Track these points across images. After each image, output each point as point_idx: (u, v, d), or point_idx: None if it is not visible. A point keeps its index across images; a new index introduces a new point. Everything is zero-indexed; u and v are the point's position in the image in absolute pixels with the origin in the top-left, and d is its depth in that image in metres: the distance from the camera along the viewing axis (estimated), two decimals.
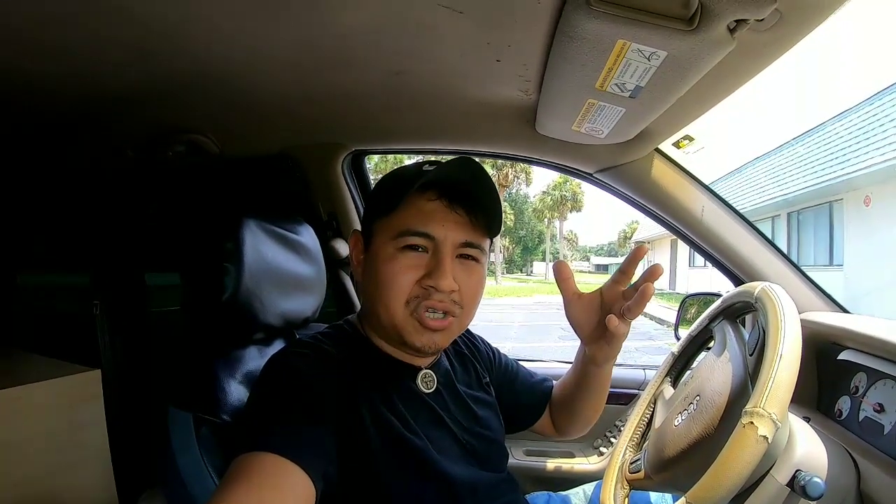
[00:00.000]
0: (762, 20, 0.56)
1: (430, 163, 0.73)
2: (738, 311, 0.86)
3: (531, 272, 45.28)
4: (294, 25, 0.71)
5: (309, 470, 0.58)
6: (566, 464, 1.43)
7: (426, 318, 0.71)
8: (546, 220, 35.74)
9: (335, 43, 0.76)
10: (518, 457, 1.44)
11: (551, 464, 1.43)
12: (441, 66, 0.84)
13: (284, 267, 0.90)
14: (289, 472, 0.57)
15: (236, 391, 0.77)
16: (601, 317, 0.77)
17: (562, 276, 0.79)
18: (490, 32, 0.71)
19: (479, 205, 0.73)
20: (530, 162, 1.27)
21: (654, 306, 13.36)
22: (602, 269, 52.94)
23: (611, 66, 0.68)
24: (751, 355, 0.72)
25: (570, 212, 34.18)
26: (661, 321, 11.15)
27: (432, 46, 0.76)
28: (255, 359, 0.85)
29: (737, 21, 0.56)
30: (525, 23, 0.67)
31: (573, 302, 0.80)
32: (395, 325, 0.72)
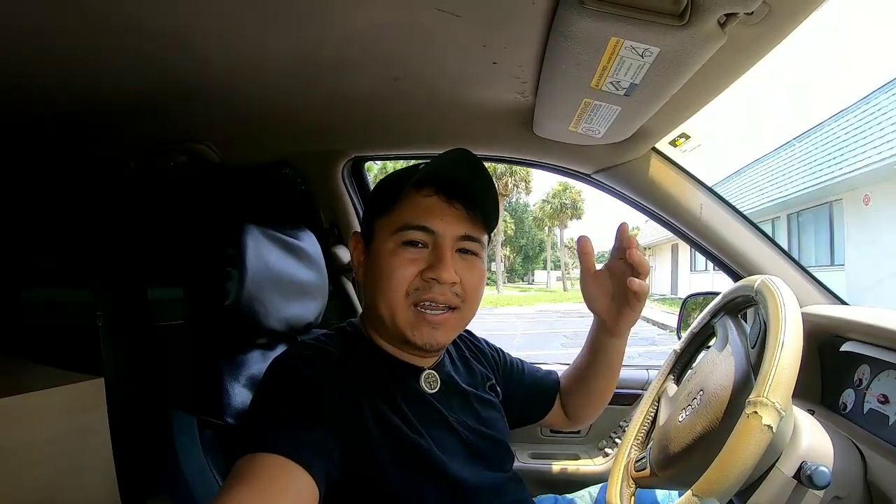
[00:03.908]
0: (751, 13, 0.57)
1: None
2: (739, 306, 0.86)
3: (532, 281, 45.02)
4: (292, 31, 0.72)
5: (312, 471, 0.58)
6: (571, 466, 1.42)
7: (426, 312, 0.72)
8: (546, 228, 35.53)
9: (333, 48, 0.77)
10: (523, 460, 1.44)
11: (556, 466, 1.42)
12: (439, 70, 0.85)
13: (287, 272, 0.90)
14: (292, 473, 0.57)
15: (240, 394, 0.78)
16: (614, 290, 0.84)
17: (584, 250, 0.83)
18: (486, 34, 0.71)
19: (476, 199, 0.74)
20: (528, 164, 1.28)
21: (656, 311, 13.30)
22: None
23: (605, 65, 0.69)
24: (753, 348, 0.72)
25: (571, 220, 34.02)
26: (663, 326, 11.09)
27: (429, 50, 0.77)
28: (259, 362, 0.85)
29: (727, 15, 0.57)
30: (520, 24, 0.67)
31: (589, 279, 0.85)
32: (395, 320, 0.72)
